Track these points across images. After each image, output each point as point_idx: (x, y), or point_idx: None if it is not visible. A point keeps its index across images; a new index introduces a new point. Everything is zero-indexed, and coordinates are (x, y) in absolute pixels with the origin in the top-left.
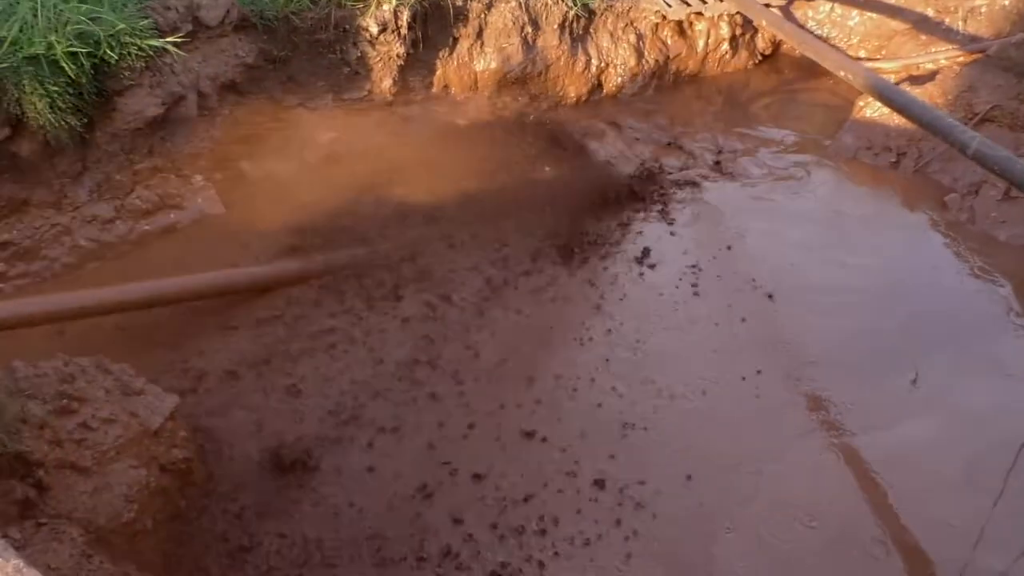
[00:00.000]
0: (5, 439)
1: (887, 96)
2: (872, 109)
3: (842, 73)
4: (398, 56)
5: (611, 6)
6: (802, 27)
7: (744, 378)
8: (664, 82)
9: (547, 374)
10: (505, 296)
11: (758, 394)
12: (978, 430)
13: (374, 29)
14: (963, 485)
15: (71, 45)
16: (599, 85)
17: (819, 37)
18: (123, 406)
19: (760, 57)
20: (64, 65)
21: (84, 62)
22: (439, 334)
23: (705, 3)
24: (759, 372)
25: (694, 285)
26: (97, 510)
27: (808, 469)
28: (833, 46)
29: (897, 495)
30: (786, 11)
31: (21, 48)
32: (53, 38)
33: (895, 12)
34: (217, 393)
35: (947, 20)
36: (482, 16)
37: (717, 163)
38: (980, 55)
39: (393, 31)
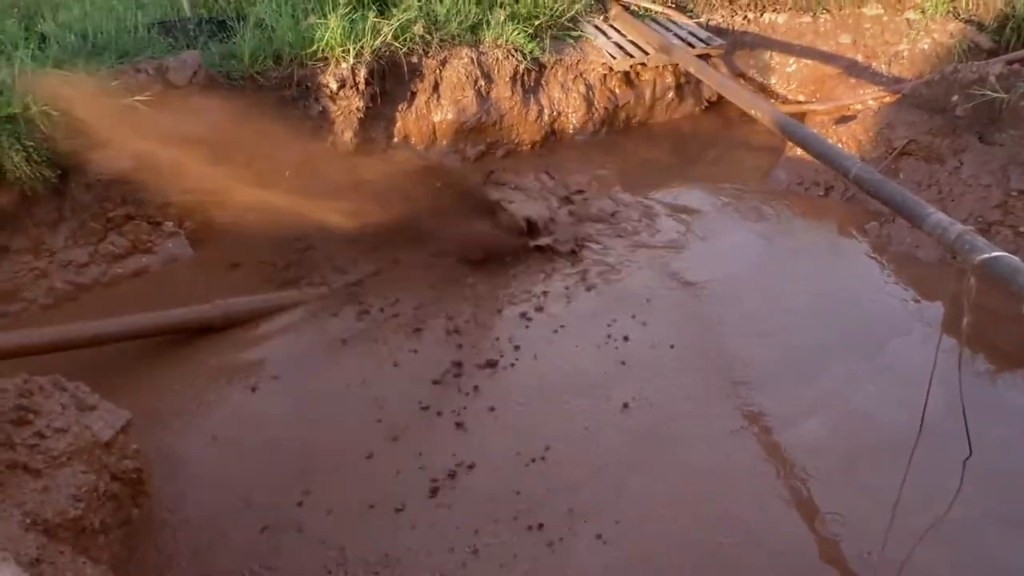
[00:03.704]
0: None
1: (788, 131)
2: None
3: (753, 111)
4: (358, 110)
5: (560, 59)
6: (743, 75)
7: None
8: (615, 128)
9: None
10: None
11: (691, 397)
12: (860, 429)
13: (334, 85)
14: (839, 475)
15: (45, 105)
16: (553, 132)
17: (760, 83)
18: (77, 419)
19: (706, 104)
20: (39, 123)
21: (58, 120)
22: None
23: (648, 55)
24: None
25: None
26: (45, 505)
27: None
28: (773, 91)
29: (780, 480)
30: (728, 60)
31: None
32: (29, 99)
33: (828, 58)
34: None
35: (874, 64)
36: (437, 71)
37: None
38: (900, 95)
39: (352, 87)
